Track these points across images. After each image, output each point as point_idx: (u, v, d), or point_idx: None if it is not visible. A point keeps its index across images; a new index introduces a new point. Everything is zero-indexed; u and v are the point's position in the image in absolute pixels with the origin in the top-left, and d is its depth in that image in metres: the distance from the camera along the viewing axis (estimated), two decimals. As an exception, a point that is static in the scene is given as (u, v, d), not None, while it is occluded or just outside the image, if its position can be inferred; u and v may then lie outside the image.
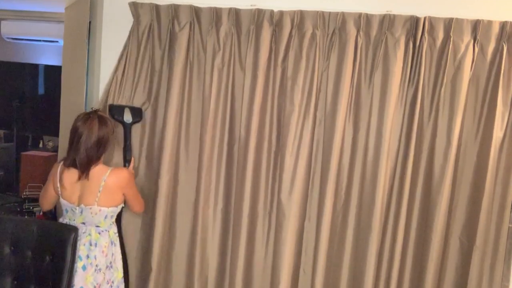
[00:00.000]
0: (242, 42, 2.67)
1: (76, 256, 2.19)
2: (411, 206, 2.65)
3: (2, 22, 5.04)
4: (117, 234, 2.36)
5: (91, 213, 2.22)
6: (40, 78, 5.76)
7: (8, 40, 5.23)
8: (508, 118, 2.57)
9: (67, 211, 2.28)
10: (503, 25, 2.50)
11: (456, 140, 2.56)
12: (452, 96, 2.56)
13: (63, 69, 3.43)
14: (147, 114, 2.77)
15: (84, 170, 2.19)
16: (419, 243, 2.67)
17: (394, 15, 2.54)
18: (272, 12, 2.60)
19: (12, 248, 2.21)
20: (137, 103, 2.76)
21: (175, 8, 2.65)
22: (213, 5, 2.63)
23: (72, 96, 3.08)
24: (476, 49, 2.53)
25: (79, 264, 2.19)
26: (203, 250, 2.78)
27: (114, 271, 2.31)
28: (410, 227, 2.66)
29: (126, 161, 2.65)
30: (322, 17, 2.59)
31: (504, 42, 2.51)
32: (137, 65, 2.74)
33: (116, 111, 2.65)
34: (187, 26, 2.66)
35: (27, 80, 5.81)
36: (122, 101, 2.74)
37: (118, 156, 2.71)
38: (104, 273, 2.25)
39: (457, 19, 2.51)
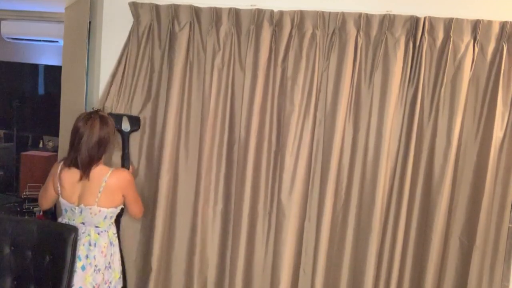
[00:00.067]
0: (242, 42, 2.67)
1: (76, 256, 2.18)
2: (411, 206, 2.65)
3: (2, 22, 5.05)
4: (116, 235, 2.36)
5: (91, 213, 2.22)
6: (40, 78, 5.77)
7: (8, 40, 5.24)
8: (508, 118, 2.57)
9: (66, 211, 2.28)
10: (503, 25, 2.50)
11: (456, 140, 2.56)
12: (452, 96, 2.56)
13: (63, 69, 3.43)
14: (147, 114, 2.77)
15: (86, 170, 2.19)
16: (419, 243, 2.67)
17: (394, 15, 2.54)
18: (272, 12, 2.60)
19: (12, 248, 2.21)
20: (137, 103, 2.76)
21: (175, 8, 2.66)
22: (213, 5, 2.63)
23: (72, 96, 3.08)
24: (476, 49, 2.53)
25: (78, 264, 2.19)
26: (203, 250, 2.78)
27: (112, 272, 2.31)
28: (410, 227, 2.66)
29: None
30: (322, 17, 2.59)
31: (504, 42, 2.51)
32: (137, 65, 2.74)
33: (114, 119, 2.63)
34: (187, 26, 2.66)
35: (27, 80, 5.81)
36: (122, 101, 2.74)
37: (117, 160, 2.71)
38: (103, 273, 2.25)
39: (457, 19, 2.51)
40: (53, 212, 3.26)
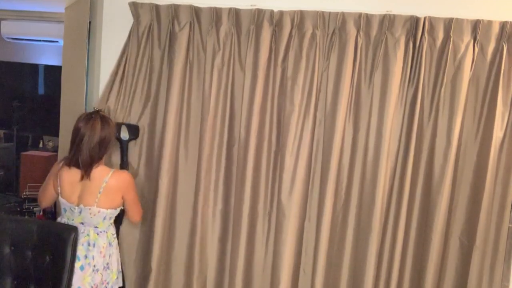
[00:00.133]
0: (242, 42, 2.67)
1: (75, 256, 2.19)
2: (411, 206, 2.65)
3: (2, 22, 5.05)
4: (114, 235, 2.36)
5: (90, 213, 2.22)
6: (40, 78, 5.76)
7: (8, 40, 5.24)
8: (508, 118, 2.57)
9: (65, 211, 2.28)
10: (503, 25, 2.50)
11: (456, 140, 2.56)
12: (452, 96, 2.56)
13: (63, 69, 3.43)
14: (147, 114, 2.77)
15: (87, 170, 2.19)
16: (419, 243, 2.67)
17: (394, 15, 2.54)
18: (272, 12, 2.60)
19: (12, 248, 2.21)
20: (137, 103, 2.76)
21: (175, 8, 2.65)
22: (213, 5, 2.63)
23: (72, 96, 3.08)
24: (476, 49, 2.53)
25: (77, 265, 2.19)
26: (202, 250, 2.78)
27: (110, 272, 2.31)
28: (410, 227, 2.66)
29: None
30: (322, 17, 2.59)
31: (504, 42, 2.51)
32: (137, 65, 2.74)
33: None
34: (187, 26, 2.66)
35: (27, 80, 5.81)
36: (122, 101, 2.74)
37: (116, 161, 2.70)
38: (101, 273, 2.25)
39: (457, 19, 2.51)
40: (53, 212, 3.26)
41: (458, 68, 2.54)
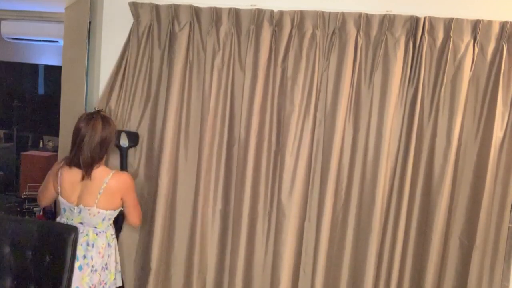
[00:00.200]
0: (242, 42, 2.67)
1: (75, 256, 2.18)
2: (411, 206, 2.65)
3: (2, 22, 5.04)
4: (113, 236, 2.36)
5: (89, 214, 2.22)
6: (40, 78, 5.77)
7: (8, 40, 5.23)
8: (508, 118, 2.57)
9: (65, 210, 2.28)
10: (503, 25, 2.50)
11: (456, 140, 2.56)
12: (452, 96, 2.56)
13: (63, 69, 3.43)
14: (147, 114, 2.77)
15: (88, 170, 2.19)
16: (419, 243, 2.67)
17: (394, 15, 2.54)
18: (272, 12, 2.60)
19: (12, 248, 2.21)
20: (137, 103, 2.77)
21: (175, 8, 2.66)
22: (213, 5, 2.63)
23: (72, 96, 3.08)
24: (476, 49, 2.53)
25: (75, 264, 2.19)
26: (202, 250, 2.78)
27: (108, 273, 2.31)
28: (410, 227, 2.66)
29: None
30: (322, 17, 2.59)
31: (504, 42, 2.51)
32: (137, 65, 2.74)
33: None
34: (187, 26, 2.66)
35: (27, 80, 5.82)
36: (122, 101, 2.75)
37: (116, 162, 2.70)
38: (99, 274, 2.25)
39: (457, 19, 2.51)
40: (53, 212, 3.26)
41: (458, 68, 2.54)
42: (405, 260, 2.69)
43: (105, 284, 2.29)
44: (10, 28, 5.05)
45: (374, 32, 2.58)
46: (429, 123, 2.61)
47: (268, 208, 2.75)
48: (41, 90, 5.79)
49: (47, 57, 5.57)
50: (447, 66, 2.54)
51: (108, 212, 2.26)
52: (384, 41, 2.56)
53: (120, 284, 2.42)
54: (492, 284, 2.64)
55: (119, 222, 2.48)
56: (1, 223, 2.25)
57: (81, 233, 2.23)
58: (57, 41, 4.98)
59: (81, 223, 2.25)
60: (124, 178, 2.29)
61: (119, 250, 2.47)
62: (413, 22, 2.54)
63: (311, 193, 2.72)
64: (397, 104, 2.61)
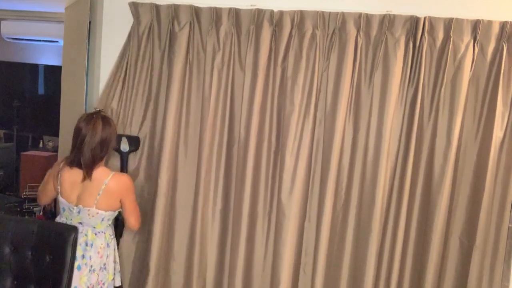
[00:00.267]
0: (242, 42, 2.67)
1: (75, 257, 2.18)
2: (411, 206, 2.65)
3: (2, 22, 5.05)
4: (112, 236, 2.36)
5: (89, 214, 2.22)
6: (40, 78, 5.77)
7: (8, 40, 5.24)
8: (508, 118, 2.57)
9: (64, 210, 2.28)
10: (503, 25, 2.50)
11: (456, 140, 2.56)
12: (452, 96, 2.56)
13: (63, 69, 3.43)
14: (149, 114, 2.77)
15: (88, 170, 2.19)
16: (419, 243, 2.67)
17: (394, 15, 2.54)
18: (272, 12, 2.60)
19: (12, 248, 2.21)
20: (137, 103, 2.76)
21: (175, 8, 2.66)
22: (213, 5, 2.63)
23: (72, 96, 3.08)
24: (476, 49, 2.53)
25: (74, 264, 2.19)
26: (202, 250, 2.78)
27: (106, 273, 2.31)
28: (410, 227, 2.66)
29: None
30: (322, 17, 2.59)
31: (504, 42, 2.51)
32: (137, 65, 2.74)
33: None
34: (187, 26, 2.66)
35: (27, 80, 5.82)
36: (122, 101, 2.74)
37: (116, 163, 2.70)
38: (98, 274, 2.25)
39: (457, 19, 2.51)
40: (53, 212, 3.26)
41: (458, 68, 2.54)
42: (405, 260, 2.69)
43: (103, 284, 2.29)
44: (10, 28, 5.05)
45: (374, 32, 2.58)
46: (429, 123, 2.61)
47: (268, 208, 2.75)
48: (41, 90, 5.79)
49: (47, 57, 5.57)
50: (447, 66, 2.54)
51: (107, 213, 2.26)
52: (384, 41, 2.56)
53: (119, 284, 2.42)
54: (492, 284, 2.64)
55: (119, 228, 2.48)
56: (1, 223, 2.25)
57: (80, 233, 2.23)
58: (57, 41, 4.98)
59: (80, 223, 2.25)
60: (124, 180, 2.29)
61: (119, 250, 2.47)
62: (413, 22, 2.54)
63: (311, 193, 2.72)
64: (397, 104, 2.61)
